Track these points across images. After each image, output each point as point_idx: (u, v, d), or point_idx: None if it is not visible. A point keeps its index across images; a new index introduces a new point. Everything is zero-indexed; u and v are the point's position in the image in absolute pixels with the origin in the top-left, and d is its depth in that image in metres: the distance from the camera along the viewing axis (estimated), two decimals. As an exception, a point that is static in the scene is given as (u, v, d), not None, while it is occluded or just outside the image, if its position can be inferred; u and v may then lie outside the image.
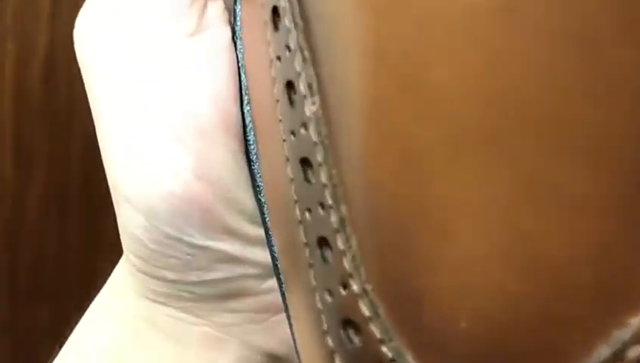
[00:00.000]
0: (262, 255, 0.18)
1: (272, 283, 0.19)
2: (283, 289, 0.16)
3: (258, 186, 0.17)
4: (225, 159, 0.17)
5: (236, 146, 0.17)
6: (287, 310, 0.16)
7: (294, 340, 0.16)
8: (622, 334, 0.10)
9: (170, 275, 0.18)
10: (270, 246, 0.17)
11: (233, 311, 0.19)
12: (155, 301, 0.19)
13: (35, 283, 0.51)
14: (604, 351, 0.10)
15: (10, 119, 0.48)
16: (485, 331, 0.10)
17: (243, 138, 0.18)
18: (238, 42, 0.18)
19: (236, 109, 0.17)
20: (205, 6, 0.18)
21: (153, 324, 0.20)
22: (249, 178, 0.18)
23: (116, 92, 0.18)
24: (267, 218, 0.17)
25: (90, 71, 0.19)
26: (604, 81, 0.09)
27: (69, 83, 0.50)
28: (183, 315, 0.19)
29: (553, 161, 0.10)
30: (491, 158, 0.10)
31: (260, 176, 0.17)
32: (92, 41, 0.18)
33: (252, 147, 0.17)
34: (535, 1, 0.10)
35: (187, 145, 0.17)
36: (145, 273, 0.19)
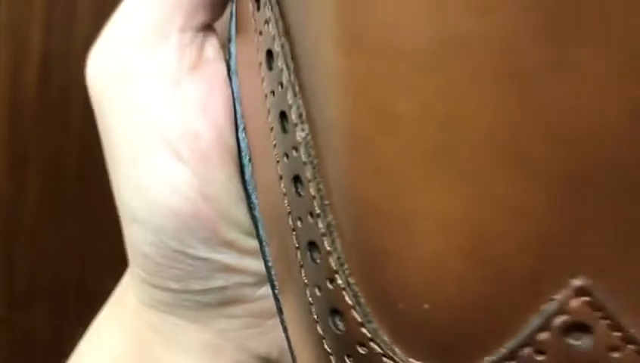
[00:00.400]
0: (256, 265, 0.20)
1: (266, 290, 0.21)
2: (276, 293, 0.19)
3: (252, 203, 0.20)
4: (224, 181, 0.20)
5: (233, 169, 0.20)
6: (280, 313, 0.18)
7: (287, 339, 0.18)
8: (549, 307, 0.12)
9: (174, 285, 0.21)
10: (264, 256, 0.19)
11: (231, 317, 0.21)
12: (159, 310, 0.22)
13: (32, 284, 0.51)
14: (535, 321, 0.12)
15: (5, 124, 0.48)
16: (444, 312, 0.13)
17: (238, 161, 0.20)
18: (233, 77, 0.20)
19: (232, 136, 0.20)
20: (204, 44, 0.21)
21: (157, 331, 0.22)
22: (244, 197, 0.20)
23: (124, 118, 0.20)
24: (260, 232, 0.19)
25: (101, 101, 0.21)
26: (531, 110, 0.12)
27: (64, 88, 0.50)
28: (185, 323, 0.22)
29: (494, 175, 0.12)
30: (447, 174, 0.13)
31: (255, 194, 0.19)
32: (103, 75, 0.21)
33: (246, 169, 0.20)
34: (479, 46, 0.12)
35: (192, 168, 0.20)
36: (151, 284, 0.21)
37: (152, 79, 0.20)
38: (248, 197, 0.20)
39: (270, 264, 0.19)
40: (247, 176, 0.20)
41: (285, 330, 0.18)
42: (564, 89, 0.12)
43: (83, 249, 0.53)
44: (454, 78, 0.12)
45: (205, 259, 0.20)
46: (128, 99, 0.20)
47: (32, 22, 0.48)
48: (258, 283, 0.21)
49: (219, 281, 0.20)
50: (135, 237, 0.21)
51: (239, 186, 0.20)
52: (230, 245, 0.20)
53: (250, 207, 0.20)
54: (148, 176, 0.20)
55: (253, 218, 0.20)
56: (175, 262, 0.20)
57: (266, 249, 0.19)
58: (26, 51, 0.48)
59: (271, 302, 0.19)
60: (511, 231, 0.12)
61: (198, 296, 0.21)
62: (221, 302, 0.21)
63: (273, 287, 0.19)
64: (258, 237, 0.20)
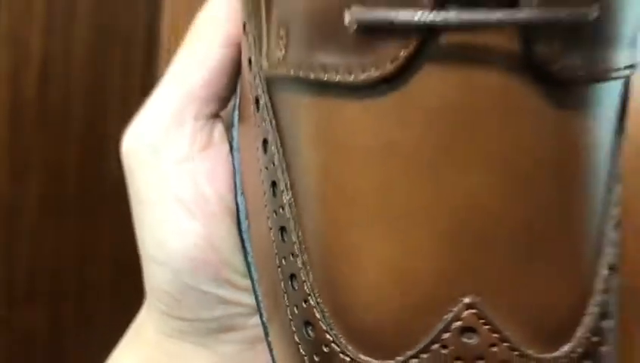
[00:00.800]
0: (249, 300, 0.26)
1: (256, 319, 0.27)
2: (264, 320, 0.24)
3: (246, 251, 0.26)
4: (226, 234, 0.26)
5: (232, 224, 0.26)
6: (266, 336, 0.24)
7: (272, 357, 0.24)
8: (449, 316, 0.18)
9: (188, 315, 0.26)
10: (255, 292, 0.25)
11: (231, 342, 0.27)
12: (178, 338, 0.27)
13: (32, 284, 0.51)
14: (440, 326, 0.18)
15: (6, 126, 0.48)
16: (380, 322, 0.19)
17: (236, 219, 0.26)
18: (235, 153, 0.27)
19: (232, 200, 0.26)
20: (212, 129, 0.27)
21: (172, 356, 0.28)
22: (240, 247, 0.26)
23: (149, 184, 0.27)
24: (252, 273, 0.25)
25: (131, 170, 0.27)
26: (435, 193, 0.18)
27: (63, 91, 0.50)
28: (198, 348, 0.27)
29: (411, 230, 0.19)
30: (382, 228, 0.19)
31: (249, 244, 0.25)
32: (134, 150, 0.27)
33: (242, 225, 0.26)
34: (403, 149, 0.19)
35: (202, 224, 0.26)
36: (170, 315, 0.27)
37: (171, 156, 0.26)
38: (244, 246, 0.26)
39: (260, 297, 0.25)
40: (243, 230, 0.26)
41: (270, 349, 0.24)
42: (453, 182, 0.18)
43: (82, 250, 0.53)
44: (388, 167, 0.19)
45: (211, 293, 0.26)
46: (153, 170, 0.26)
47: (31, 26, 0.48)
48: (251, 314, 0.27)
49: (222, 311, 0.26)
50: (157, 277, 0.27)
51: (237, 238, 0.26)
52: (230, 283, 0.26)
53: (245, 254, 0.26)
54: (168, 229, 0.26)
55: (247, 263, 0.26)
56: (189, 296, 0.26)
57: (257, 286, 0.25)
58: (26, 54, 0.48)
59: (261, 329, 0.25)
60: (423, 267, 0.19)
61: (206, 323, 0.27)
62: (223, 328, 0.27)
63: (261, 316, 0.25)
64: (250, 277, 0.26)
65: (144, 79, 0.58)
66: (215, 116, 0.27)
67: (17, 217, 0.50)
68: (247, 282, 0.26)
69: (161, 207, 0.26)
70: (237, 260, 0.26)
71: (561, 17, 0.17)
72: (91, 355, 0.46)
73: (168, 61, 0.60)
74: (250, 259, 0.25)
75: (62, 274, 0.52)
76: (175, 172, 0.26)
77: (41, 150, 0.50)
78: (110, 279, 0.55)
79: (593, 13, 0.17)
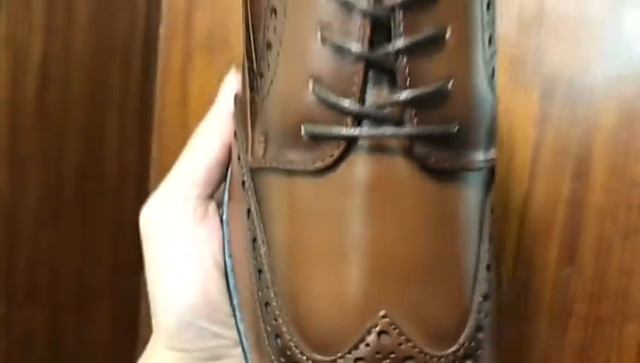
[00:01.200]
0: (234, 335, 0.35)
1: (239, 350, 0.35)
2: (244, 349, 0.33)
3: (232, 297, 0.35)
4: (217, 284, 0.35)
5: (222, 278, 0.35)
6: (246, 360, 0.33)
7: None
8: (371, 324, 0.27)
9: (188, 346, 0.35)
10: (237, 328, 0.34)
11: None
12: None
13: (31, 283, 0.51)
14: (364, 331, 0.27)
15: (5, 127, 0.48)
16: (327, 332, 0.28)
17: (225, 273, 0.35)
18: (224, 226, 0.36)
19: (222, 258, 0.35)
20: (208, 206, 0.36)
21: None
22: (227, 295, 0.35)
23: (161, 247, 0.35)
24: (237, 313, 0.34)
25: (147, 237, 0.36)
26: (361, 241, 0.28)
27: (63, 92, 0.51)
28: None
29: (343, 273, 0.28)
30: (326, 266, 0.28)
31: (235, 291, 0.34)
32: (150, 220, 0.36)
33: (229, 277, 0.35)
34: (342, 209, 0.28)
35: (200, 277, 0.35)
36: (174, 348, 0.35)
37: (179, 225, 0.36)
38: (230, 294, 0.35)
39: (242, 331, 0.33)
40: (230, 282, 0.35)
41: None
42: (373, 234, 0.28)
43: (81, 249, 0.54)
44: (330, 225, 0.28)
45: (207, 329, 0.35)
46: (164, 236, 0.36)
47: (31, 28, 0.48)
48: (235, 346, 0.35)
49: (214, 342, 0.35)
50: (164, 319, 0.35)
51: (225, 289, 0.35)
52: (220, 321, 0.35)
53: (231, 300, 0.35)
54: (175, 283, 0.35)
55: (232, 306, 0.35)
56: (189, 332, 0.35)
57: (239, 323, 0.34)
58: (26, 56, 0.48)
59: (242, 358, 0.34)
60: (353, 292, 0.28)
61: (202, 352, 0.35)
62: (214, 357, 0.35)
63: (242, 346, 0.33)
64: (234, 316, 0.34)
65: (142, 81, 0.58)
66: (210, 196, 0.36)
67: (16, 217, 0.49)
68: (232, 320, 0.35)
69: (170, 267, 0.35)
70: (225, 304, 0.35)
71: (431, 131, 0.27)
72: (90, 356, 0.52)
73: (165, 64, 0.62)
74: (234, 303, 0.34)
75: (61, 274, 0.53)
76: (181, 237, 0.35)
77: (40, 151, 0.50)
78: (109, 280, 0.55)
79: (454, 128, 0.27)
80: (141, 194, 0.60)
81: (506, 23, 0.52)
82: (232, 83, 0.36)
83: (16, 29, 0.47)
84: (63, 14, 0.50)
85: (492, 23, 0.29)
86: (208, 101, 0.60)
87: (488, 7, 0.28)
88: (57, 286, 0.53)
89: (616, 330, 0.51)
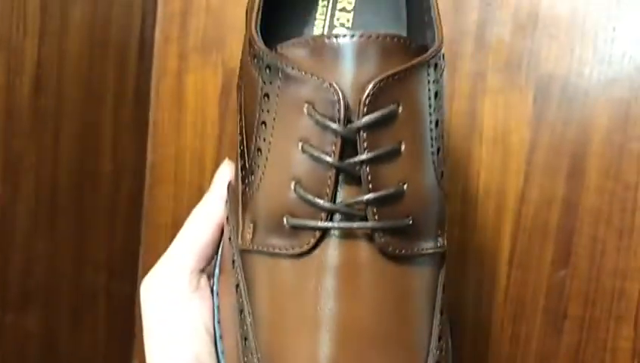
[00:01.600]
0: None
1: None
2: None
3: (220, 360, 0.37)
4: (208, 350, 0.37)
5: (212, 344, 0.37)
6: None
7: None
8: None
9: None
10: None
11: None
12: None
13: (25, 287, 0.51)
14: None
15: None
16: None
17: (214, 341, 0.38)
18: (215, 296, 0.39)
19: (212, 326, 0.38)
20: (200, 278, 0.39)
21: None
22: (217, 359, 0.37)
23: (157, 318, 0.38)
24: None
25: (145, 308, 0.38)
26: (331, 314, 0.32)
27: (56, 96, 0.51)
28: None
29: (319, 342, 0.31)
30: (301, 334, 0.32)
31: (222, 356, 0.37)
32: (149, 290, 0.39)
33: (218, 343, 0.37)
34: (316, 286, 0.32)
35: (193, 343, 0.37)
36: None
37: (175, 297, 0.38)
38: (218, 358, 0.37)
39: None
40: (219, 348, 0.37)
41: None
42: (341, 308, 0.32)
43: (76, 253, 0.55)
44: (305, 300, 0.32)
45: None
46: (162, 307, 0.38)
47: (25, 32, 0.48)
48: None
49: None
50: None
51: (214, 355, 0.37)
52: None
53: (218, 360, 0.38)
54: (170, 348, 0.37)
55: None
56: None
57: None
58: (20, 60, 0.48)
59: None
60: (323, 355, 0.31)
61: None
62: None
63: None
64: None
65: (137, 85, 0.59)
66: (202, 270, 0.40)
67: (10, 222, 0.50)
68: None
69: (167, 332, 0.37)
70: None
71: (389, 225, 0.32)
72: (85, 361, 0.52)
73: (160, 65, 0.63)
74: None
75: (56, 278, 0.53)
76: (177, 307, 0.38)
77: (34, 154, 0.51)
78: (104, 284, 0.56)
79: (408, 222, 0.33)
80: (136, 196, 0.60)
81: (501, 25, 0.52)
82: (225, 172, 0.41)
83: (10, 32, 0.48)
84: (58, 18, 0.51)
85: (440, 137, 0.34)
86: (202, 103, 0.60)
87: (436, 125, 0.34)
88: (52, 290, 0.54)
89: (611, 332, 0.51)
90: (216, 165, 0.59)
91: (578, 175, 0.51)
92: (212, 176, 0.59)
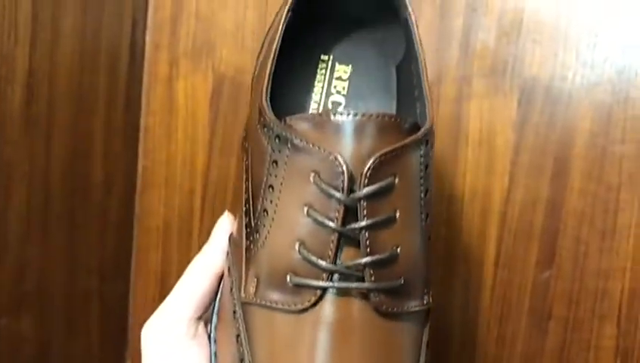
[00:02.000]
0: None
1: None
2: None
3: None
4: None
5: None
6: None
7: None
8: None
9: None
10: None
11: None
12: None
13: (18, 292, 0.52)
14: None
15: None
16: None
17: None
18: (212, 343, 0.40)
19: None
20: (198, 326, 0.40)
21: None
22: None
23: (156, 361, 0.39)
24: None
25: (145, 351, 0.40)
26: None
27: (48, 103, 0.51)
28: None
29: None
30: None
31: None
32: (148, 334, 0.40)
33: None
34: (314, 339, 0.33)
35: None
36: None
37: (173, 344, 0.39)
38: None
39: None
40: None
41: None
42: (337, 358, 0.34)
43: (69, 257, 0.55)
44: (302, 351, 0.34)
45: None
46: (161, 354, 0.40)
47: (16, 41, 0.49)
48: None
49: None
50: None
51: None
52: None
53: None
54: None
55: None
56: None
57: None
58: (11, 68, 0.49)
59: None
60: None
61: None
62: None
63: None
64: None
65: (128, 92, 0.59)
66: (199, 318, 0.41)
67: (3, 227, 0.50)
68: None
69: None
70: None
71: (384, 286, 0.35)
72: None
73: (151, 71, 0.63)
74: None
75: (49, 282, 0.53)
76: (175, 354, 0.40)
77: (26, 160, 0.51)
78: (97, 287, 0.56)
79: (399, 283, 0.35)
80: (128, 201, 0.61)
81: (486, 31, 0.53)
82: (225, 225, 0.42)
83: (1, 41, 0.48)
84: (49, 27, 0.51)
85: (429, 205, 0.37)
86: (193, 108, 0.61)
87: (425, 194, 0.36)
88: (45, 295, 0.54)
89: (594, 332, 0.52)
90: (207, 169, 0.60)
91: (562, 177, 0.52)
92: (202, 180, 0.60)
